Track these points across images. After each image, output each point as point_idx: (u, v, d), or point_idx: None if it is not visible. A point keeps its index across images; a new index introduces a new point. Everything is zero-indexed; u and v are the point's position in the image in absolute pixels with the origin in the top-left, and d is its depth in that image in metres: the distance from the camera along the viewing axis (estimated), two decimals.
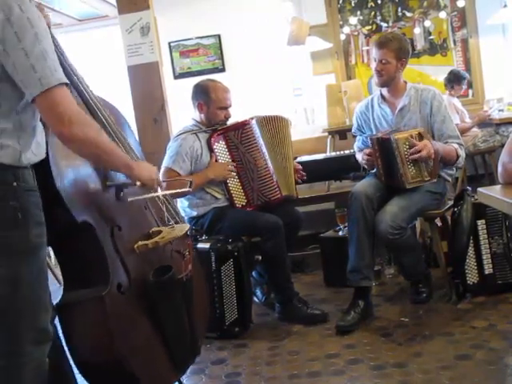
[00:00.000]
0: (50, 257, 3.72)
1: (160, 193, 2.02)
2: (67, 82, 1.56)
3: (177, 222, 2.14)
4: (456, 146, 2.94)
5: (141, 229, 2.04)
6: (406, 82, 3.09)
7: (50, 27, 1.85)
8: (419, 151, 2.74)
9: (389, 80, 3.00)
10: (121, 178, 1.96)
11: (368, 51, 5.51)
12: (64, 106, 1.52)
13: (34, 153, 1.59)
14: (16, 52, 1.45)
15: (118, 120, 2.15)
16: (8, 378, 1.54)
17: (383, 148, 2.92)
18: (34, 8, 1.49)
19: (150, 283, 1.94)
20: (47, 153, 1.68)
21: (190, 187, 2.35)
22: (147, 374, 1.91)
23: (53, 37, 1.66)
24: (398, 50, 2.95)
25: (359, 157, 3.22)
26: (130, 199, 1.95)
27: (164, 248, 2.05)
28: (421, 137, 2.80)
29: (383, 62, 2.95)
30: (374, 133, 3.10)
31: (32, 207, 1.55)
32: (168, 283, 1.97)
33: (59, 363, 1.80)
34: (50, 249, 2.02)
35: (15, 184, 1.51)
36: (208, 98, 3.07)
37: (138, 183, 1.88)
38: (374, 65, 3.01)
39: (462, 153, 2.96)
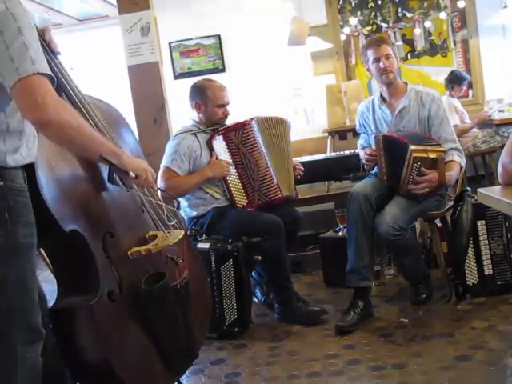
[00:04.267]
0: None
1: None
2: (49, 73, 1.49)
3: (175, 224, 2.13)
4: (458, 159, 2.94)
5: (136, 233, 1.99)
6: (406, 84, 3.09)
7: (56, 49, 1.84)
8: (419, 182, 2.78)
9: (395, 75, 3.02)
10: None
11: None
12: (39, 92, 1.44)
13: (23, 156, 1.56)
14: None
15: (114, 121, 2.09)
16: (1, 379, 1.52)
17: (392, 148, 2.91)
18: (20, 5, 1.47)
19: (142, 291, 1.89)
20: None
21: None
22: (139, 381, 1.90)
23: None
24: (392, 45, 3.06)
25: (362, 154, 3.23)
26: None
27: (160, 253, 1.99)
28: (434, 163, 2.78)
29: (388, 56, 2.97)
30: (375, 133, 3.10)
31: (20, 207, 1.53)
32: (160, 291, 1.92)
33: (54, 364, 1.78)
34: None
35: (2, 183, 1.49)
36: (205, 96, 3.08)
37: (132, 174, 1.80)
38: (376, 66, 2.99)
39: (463, 160, 2.98)
